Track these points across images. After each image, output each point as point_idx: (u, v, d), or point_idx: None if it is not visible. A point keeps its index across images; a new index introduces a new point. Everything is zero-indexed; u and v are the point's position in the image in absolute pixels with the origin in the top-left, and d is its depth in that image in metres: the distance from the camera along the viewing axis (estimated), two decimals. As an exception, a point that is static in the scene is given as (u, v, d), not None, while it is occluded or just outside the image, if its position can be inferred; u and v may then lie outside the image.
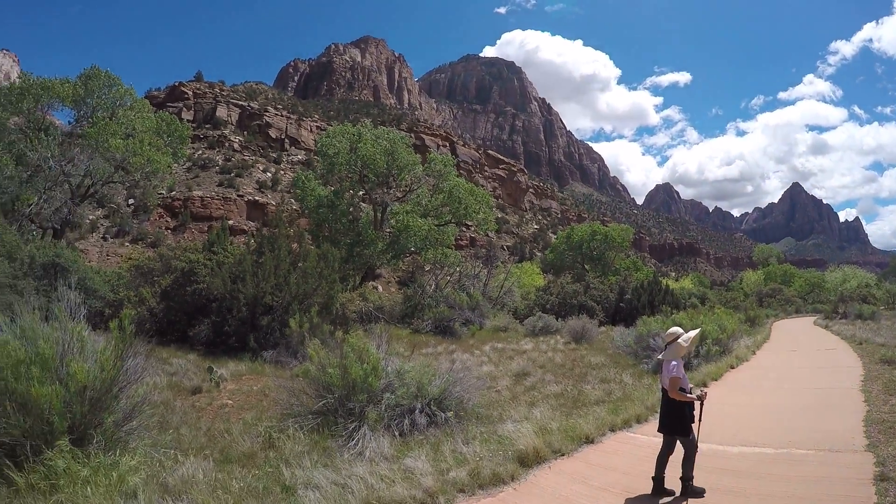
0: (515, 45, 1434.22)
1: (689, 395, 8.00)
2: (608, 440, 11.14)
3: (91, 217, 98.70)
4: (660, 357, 8.64)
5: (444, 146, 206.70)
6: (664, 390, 8.26)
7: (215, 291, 22.21)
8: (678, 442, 8.16)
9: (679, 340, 8.32)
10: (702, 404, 8.26)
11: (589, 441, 10.83)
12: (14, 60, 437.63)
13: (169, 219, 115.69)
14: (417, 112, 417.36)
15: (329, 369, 10.87)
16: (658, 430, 8.41)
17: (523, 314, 41.91)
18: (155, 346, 20.97)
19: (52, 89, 38.51)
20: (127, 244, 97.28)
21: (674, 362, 8.13)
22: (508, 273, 53.62)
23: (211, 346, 21.71)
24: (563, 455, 9.99)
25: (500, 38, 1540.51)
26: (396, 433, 10.41)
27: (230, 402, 13.50)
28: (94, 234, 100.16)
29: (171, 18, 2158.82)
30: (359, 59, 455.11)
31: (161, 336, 22.80)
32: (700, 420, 8.29)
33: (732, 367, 21.15)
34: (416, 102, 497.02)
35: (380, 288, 77.21)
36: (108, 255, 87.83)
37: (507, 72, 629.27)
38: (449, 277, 46.10)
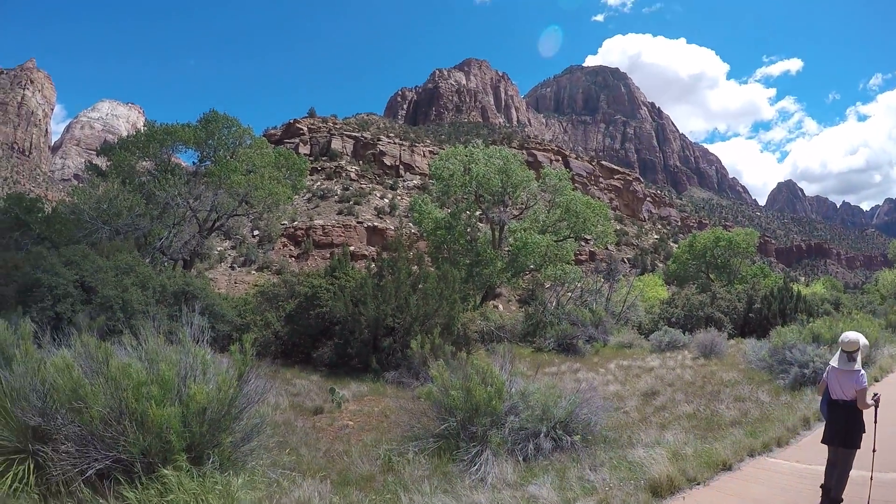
0: (617, 51, 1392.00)
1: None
2: (746, 466, 10.20)
3: (219, 248, 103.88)
4: (833, 365, 8.07)
5: (557, 160, 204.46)
6: (837, 402, 7.83)
7: (338, 314, 22.54)
8: (842, 455, 7.62)
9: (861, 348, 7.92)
10: (877, 407, 7.74)
11: (726, 468, 9.94)
12: (140, 112, 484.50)
13: (292, 247, 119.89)
14: (527, 129, 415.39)
15: (452, 392, 10.52)
16: (827, 443, 7.88)
17: (648, 329, 40.39)
18: (279, 367, 21.70)
19: (175, 134, 41.30)
20: (253, 272, 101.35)
21: (861, 372, 7.71)
22: (631, 286, 51.78)
23: (334, 367, 22.03)
24: (698, 483, 9.17)
25: (601, 46, 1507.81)
26: (520, 458, 9.93)
27: (351, 422, 13.41)
28: (222, 263, 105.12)
29: (282, 61, 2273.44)
30: (464, 81, 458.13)
31: (286, 358, 23.56)
32: (876, 423, 7.74)
33: (876, 381, 19.12)
34: (525, 119, 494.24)
35: (500, 307, 76.94)
36: (235, 283, 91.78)
37: (612, 79, 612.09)
38: (570, 294, 45.13)
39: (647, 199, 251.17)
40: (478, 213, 48.20)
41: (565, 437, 10.52)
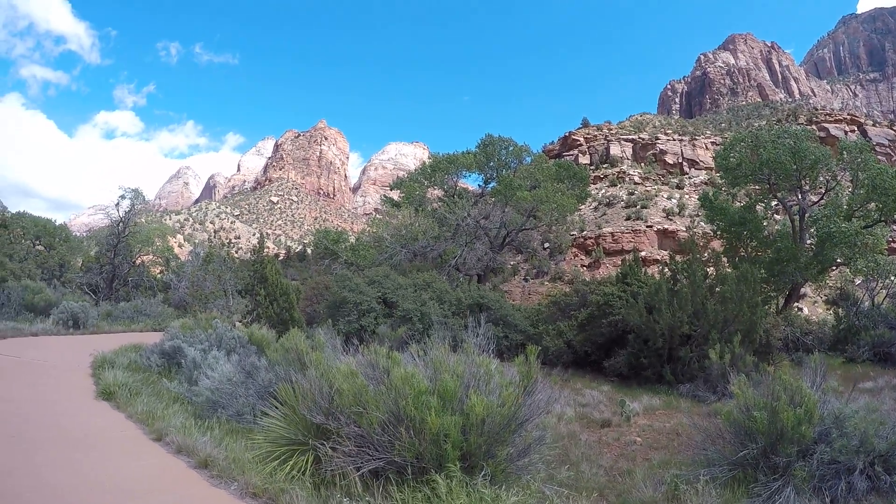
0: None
1: None
2: None
3: (512, 262, 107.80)
4: None
5: (852, 131, 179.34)
6: None
7: (630, 322, 22.10)
8: None
9: None
10: None
11: None
12: (424, 148, 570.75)
13: (583, 257, 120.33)
14: (812, 100, 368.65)
15: (755, 413, 9.04)
16: None
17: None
18: (570, 375, 21.91)
19: (457, 161, 45.75)
20: (546, 283, 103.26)
21: None
22: (960, 280, 42.55)
23: (625, 377, 21.60)
24: None
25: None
26: (827, 498, 8.19)
27: (639, 439, 12.78)
28: (516, 276, 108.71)
29: (549, 77, 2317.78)
30: (732, 61, 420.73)
31: (577, 367, 23.84)
32: None
33: None
34: (807, 90, 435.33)
35: (805, 309, 70.07)
36: (529, 294, 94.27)
37: (893, 21, 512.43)
38: (885, 291, 39.00)
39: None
40: (774, 203, 44.04)
41: (884, 475, 8.54)
